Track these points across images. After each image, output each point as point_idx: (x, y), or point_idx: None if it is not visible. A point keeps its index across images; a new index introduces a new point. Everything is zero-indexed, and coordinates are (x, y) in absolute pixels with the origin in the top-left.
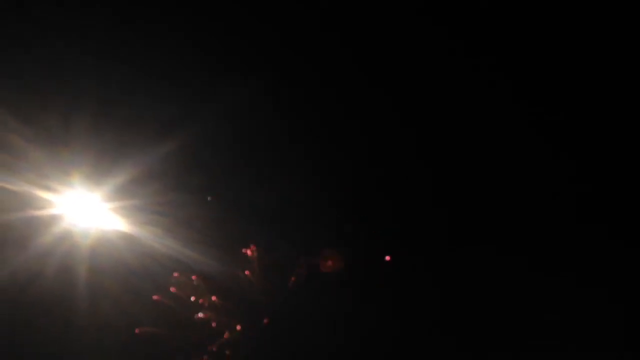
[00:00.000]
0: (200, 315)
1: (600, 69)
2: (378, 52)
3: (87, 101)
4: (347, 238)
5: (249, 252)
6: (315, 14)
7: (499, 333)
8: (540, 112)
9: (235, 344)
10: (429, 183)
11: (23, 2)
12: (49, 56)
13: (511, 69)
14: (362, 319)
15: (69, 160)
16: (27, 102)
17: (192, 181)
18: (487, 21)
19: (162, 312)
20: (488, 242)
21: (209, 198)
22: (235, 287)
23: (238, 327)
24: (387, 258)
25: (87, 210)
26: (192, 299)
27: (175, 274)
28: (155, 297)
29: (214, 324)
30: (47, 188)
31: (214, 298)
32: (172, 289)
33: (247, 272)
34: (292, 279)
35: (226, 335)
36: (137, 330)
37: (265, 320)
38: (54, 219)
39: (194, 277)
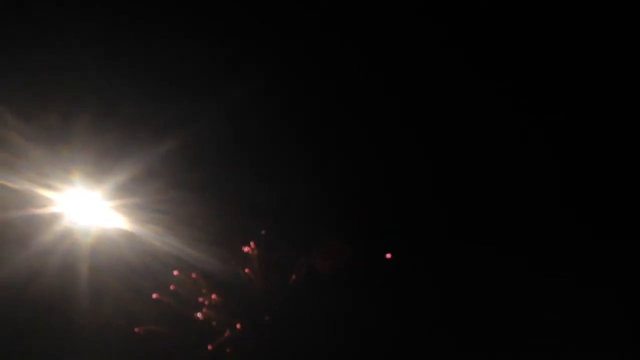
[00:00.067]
0: (201, 313)
1: (600, 69)
2: (379, 51)
3: (87, 99)
4: (347, 238)
5: (249, 249)
6: (316, 13)
7: (499, 333)
8: (541, 112)
9: (236, 342)
10: (429, 183)
11: (23, 1)
12: (49, 54)
13: (511, 69)
14: (362, 319)
15: (69, 158)
16: (28, 101)
17: (193, 179)
18: (487, 21)
19: (163, 310)
20: (488, 242)
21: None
22: (236, 285)
23: (238, 326)
24: (388, 256)
25: (87, 208)
26: (193, 297)
27: (176, 272)
28: (155, 296)
29: (214, 323)
30: (48, 186)
31: (214, 296)
32: (172, 287)
33: (247, 271)
34: (293, 277)
35: (227, 333)
36: (137, 329)
37: (266, 318)
38: (54, 217)
39: (194, 276)
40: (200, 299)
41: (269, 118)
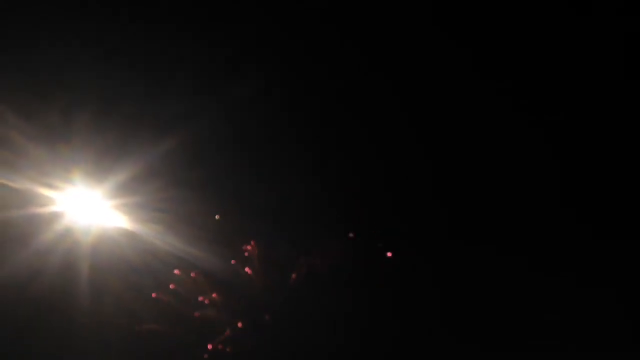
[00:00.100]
0: (201, 312)
1: (600, 69)
2: (379, 51)
3: (88, 98)
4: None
5: (249, 248)
6: (317, 13)
7: (499, 333)
8: (541, 112)
9: (236, 341)
10: (429, 183)
11: (24, 1)
12: (49, 53)
13: (511, 69)
14: (363, 319)
15: (70, 157)
16: (28, 100)
17: (193, 178)
18: (487, 21)
19: (163, 309)
20: (488, 242)
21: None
22: (236, 284)
23: (239, 325)
24: (389, 254)
25: (88, 207)
26: (193, 296)
27: (176, 271)
28: (154, 295)
29: (214, 322)
30: (48, 185)
31: (214, 295)
32: (173, 286)
33: (247, 269)
34: (293, 277)
35: (227, 332)
36: (138, 328)
37: (266, 317)
38: (55, 217)
39: (193, 275)
40: (201, 298)
41: (269, 117)
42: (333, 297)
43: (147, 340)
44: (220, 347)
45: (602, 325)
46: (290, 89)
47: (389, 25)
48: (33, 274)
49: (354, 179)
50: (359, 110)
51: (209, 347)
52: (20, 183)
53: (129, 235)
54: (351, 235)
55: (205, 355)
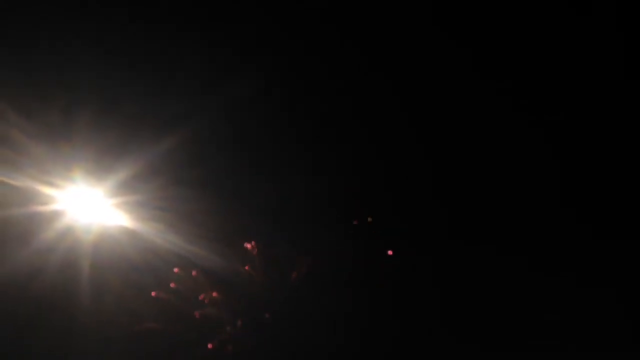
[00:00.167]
0: (202, 311)
1: (600, 70)
2: (379, 52)
3: (89, 97)
4: (347, 237)
5: (249, 246)
6: (317, 13)
7: (499, 333)
8: (541, 112)
9: (237, 340)
10: (429, 183)
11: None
12: (50, 51)
13: (511, 69)
14: (363, 319)
15: (71, 155)
16: (29, 98)
17: (194, 177)
18: (487, 21)
19: (164, 307)
20: (488, 242)
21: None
22: (237, 282)
23: (239, 323)
24: (390, 252)
25: (89, 205)
26: (194, 294)
27: (176, 270)
28: (154, 294)
29: (215, 320)
30: (49, 184)
31: (214, 294)
32: (173, 285)
33: (247, 268)
34: (293, 276)
35: (227, 331)
36: (139, 326)
37: (266, 316)
38: (56, 215)
39: (194, 273)
40: (201, 297)
41: (270, 117)
42: (333, 297)
43: (148, 338)
44: (220, 346)
45: (602, 325)
46: (290, 89)
47: (389, 25)
48: (34, 272)
49: (354, 179)
50: (359, 110)
51: (209, 346)
52: (21, 181)
53: (130, 233)
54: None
55: (206, 354)
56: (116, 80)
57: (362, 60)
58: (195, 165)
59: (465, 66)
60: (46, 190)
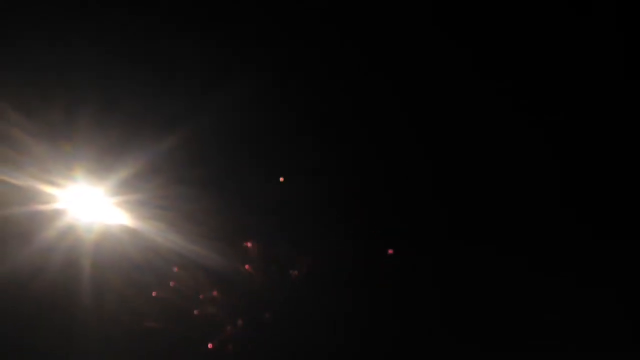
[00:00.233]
0: (203, 310)
1: (600, 69)
2: (380, 51)
3: (90, 95)
4: (347, 237)
5: (249, 245)
6: (317, 13)
7: (499, 333)
8: (541, 112)
9: (237, 339)
10: (429, 183)
11: None
12: (51, 50)
13: (511, 69)
14: (363, 319)
15: (72, 154)
16: (30, 97)
17: (195, 176)
18: (487, 21)
19: (165, 306)
20: (488, 242)
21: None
22: (238, 281)
23: (240, 322)
24: (390, 251)
25: (90, 204)
26: (195, 293)
27: (175, 269)
28: (155, 293)
29: (215, 319)
30: (50, 182)
31: (215, 293)
32: (173, 283)
33: (247, 267)
34: (294, 276)
35: (228, 330)
36: (140, 325)
37: (266, 315)
38: (57, 214)
39: (195, 272)
40: (202, 296)
41: (271, 116)
42: (333, 297)
43: (149, 337)
44: (220, 345)
45: (602, 325)
46: (290, 89)
47: (389, 25)
48: (35, 271)
49: (354, 179)
50: (358, 110)
51: (210, 346)
52: (22, 180)
53: (131, 232)
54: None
55: (207, 353)
56: (117, 79)
57: (362, 60)
58: (197, 165)
59: (465, 66)
60: (47, 189)
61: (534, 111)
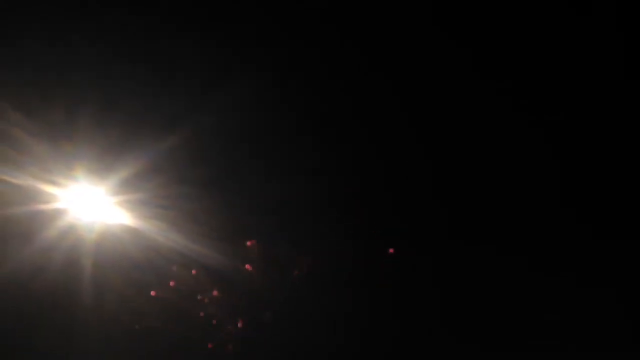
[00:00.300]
0: (203, 309)
1: (600, 69)
2: (380, 51)
3: (91, 94)
4: (347, 237)
5: (249, 244)
6: (317, 13)
7: (499, 333)
8: (541, 112)
9: (237, 339)
10: (429, 183)
11: None
12: (51, 50)
13: (511, 69)
14: (363, 319)
15: (73, 154)
16: (30, 96)
17: (196, 175)
18: (487, 21)
19: (165, 306)
20: (488, 242)
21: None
22: (238, 281)
23: (240, 322)
24: (391, 250)
25: (91, 204)
26: (196, 293)
27: (174, 268)
28: (155, 293)
29: (216, 319)
30: (51, 182)
31: (215, 293)
32: (173, 283)
33: (247, 267)
34: (294, 275)
35: (228, 330)
36: (140, 325)
37: (267, 315)
38: (58, 213)
39: (196, 272)
40: (202, 296)
41: (271, 116)
42: (333, 297)
43: (149, 337)
44: (221, 345)
45: (602, 325)
46: (290, 89)
47: (389, 25)
48: (36, 271)
49: (354, 179)
50: (358, 110)
51: (209, 346)
52: (23, 180)
53: (132, 231)
54: None
55: (207, 353)
56: (117, 79)
57: (362, 60)
58: (198, 164)
59: (465, 66)
60: (48, 188)
61: (534, 111)
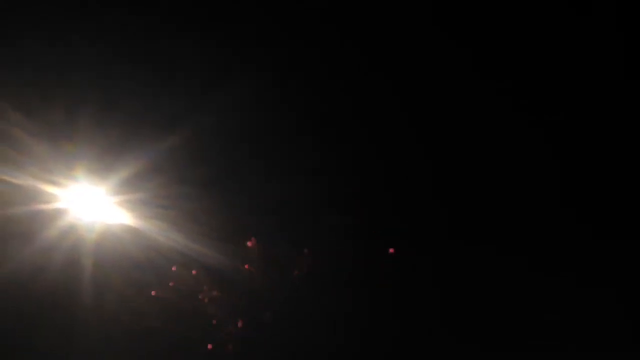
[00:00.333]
0: (203, 309)
1: (600, 69)
2: (380, 51)
3: (91, 94)
4: (347, 237)
5: (249, 244)
6: (317, 13)
7: (499, 333)
8: (541, 112)
9: (237, 339)
10: (429, 183)
11: None
12: (51, 50)
13: (511, 69)
14: (363, 319)
15: (73, 154)
16: (30, 96)
17: (196, 175)
18: (487, 21)
19: (166, 305)
20: (488, 242)
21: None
22: (239, 281)
23: (240, 324)
24: (391, 250)
25: (91, 204)
26: (196, 293)
27: (174, 268)
28: (155, 293)
29: (216, 319)
30: (52, 182)
31: (216, 293)
32: (174, 283)
33: (247, 267)
34: (294, 275)
35: (228, 330)
36: (141, 325)
37: (267, 315)
38: (58, 213)
39: (196, 272)
40: (202, 296)
41: (271, 116)
42: (333, 297)
43: (149, 337)
44: (221, 345)
45: (602, 325)
46: (290, 89)
47: (389, 25)
48: (36, 271)
49: (354, 179)
50: (358, 110)
51: (209, 346)
52: (23, 180)
53: (133, 231)
54: None
55: (207, 353)
56: (117, 79)
57: (362, 60)
58: (197, 164)
59: (465, 66)
60: (48, 188)
61: (534, 111)
